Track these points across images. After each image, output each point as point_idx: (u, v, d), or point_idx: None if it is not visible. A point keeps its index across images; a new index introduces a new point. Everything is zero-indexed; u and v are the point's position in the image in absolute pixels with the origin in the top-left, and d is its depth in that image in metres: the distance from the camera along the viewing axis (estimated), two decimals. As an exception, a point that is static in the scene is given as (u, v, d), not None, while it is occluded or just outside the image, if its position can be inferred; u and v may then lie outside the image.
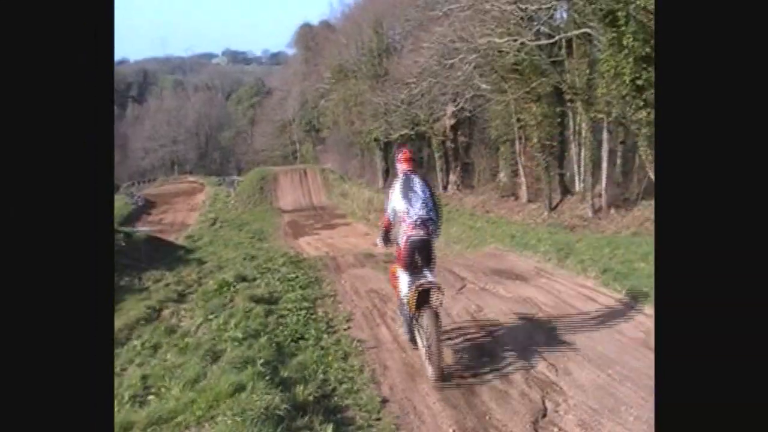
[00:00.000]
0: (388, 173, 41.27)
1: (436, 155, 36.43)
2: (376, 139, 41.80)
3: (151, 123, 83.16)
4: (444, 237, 22.52)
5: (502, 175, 31.36)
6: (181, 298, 10.42)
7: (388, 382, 5.57)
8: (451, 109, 32.80)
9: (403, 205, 5.97)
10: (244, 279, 10.05)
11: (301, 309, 7.97)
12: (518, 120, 26.55)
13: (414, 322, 6.12)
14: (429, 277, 5.89)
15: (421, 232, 5.89)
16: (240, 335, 6.59)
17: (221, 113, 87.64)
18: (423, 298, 5.73)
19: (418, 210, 5.90)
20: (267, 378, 5.08)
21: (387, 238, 6.44)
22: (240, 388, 4.82)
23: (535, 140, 25.38)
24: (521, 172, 27.90)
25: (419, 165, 38.70)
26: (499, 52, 24.43)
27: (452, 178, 35.56)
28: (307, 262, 12.30)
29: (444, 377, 5.57)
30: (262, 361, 5.55)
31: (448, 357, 6.03)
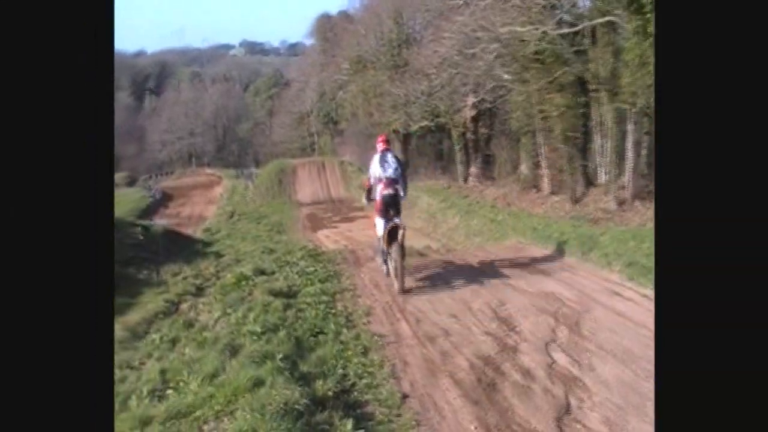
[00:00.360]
0: (408, 165, 41.22)
1: (457, 147, 36.20)
2: (395, 131, 41.53)
3: (168, 115, 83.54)
4: (464, 230, 22.57)
5: (524, 167, 31.10)
6: (199, 291, 10.50)
7: (408, 378, 5.57)
8: (471, 100, 32.61)
9: (379, 171, 9.00)
10: (262, 272, 10.11)
11: (320, 303, 8.00)
12: (540, 111, 26.27)
13: (387, 254, 9.13)
14: (396, 220, 8.77)
15: (391, 190, 8.92)
16: (259, 329, 6.62)
17: (239, 105, 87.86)
18: (392, 234, 8.75)
19: (390, 174, 8.93)
20: (286, 373, 5.10)
21: (369, 197, 9.39)
22: (259, 382, 4.85)
23: (557, 131, 25.16)
24: (543, 164, 27.71)
25: (440, 157, 38.51)
26: (521, 41, 24.20)
27: (473, 170, 35.31)
28: (326, 256, 12.32)
29: (405, 291, 8.51)
30: (281, 355, 5.57)
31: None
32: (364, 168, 45.77)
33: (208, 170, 66.19)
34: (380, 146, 9.26)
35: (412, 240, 20.44)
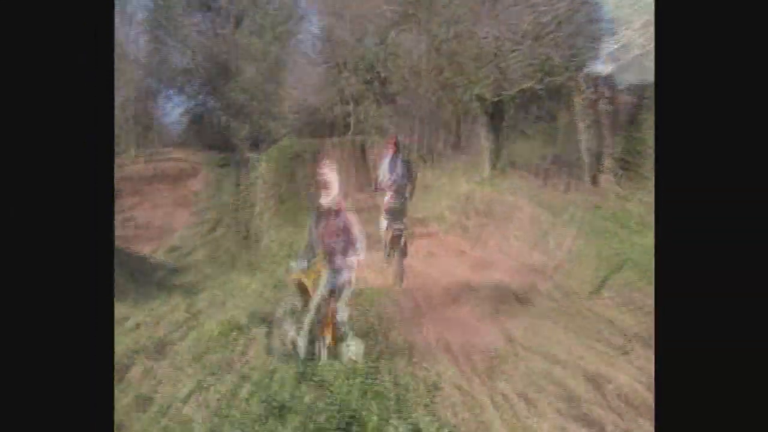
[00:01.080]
0: (499, 153, 41.04)
1: (581, 125, 35.68)
2: (479, 98, 41.38)
3: (115, 60, 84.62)
4: (593, 260, 22.33)
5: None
6: (160, 349, 10.60)
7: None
8: (608, 47, 32.44)
9: (387, 176, 14.85)
10: (263, 320, 10.16)
11: (355, 372, 8.03)
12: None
13: (389, 250, 15.25)
14: (399, 226, 14.88)
15: (400, 199, 14.81)
16: (257, 412, 6.66)
17: (228, 49, 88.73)
18: (395, 241, 14.94)
19: (397, 181, 14.79)
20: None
21: (377, 188, 15.39)
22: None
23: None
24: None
25: (552, 141, 38.28)
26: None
27: (608, 163, 34.79)
28: (367, 296, 12.35)
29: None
30: (292, 457, 5.61)
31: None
32: (428, 157, 45.95)
33: (177, 153, 67.04)
34: (390, 150, 15.23)
35: (505, 274, 20.31)
